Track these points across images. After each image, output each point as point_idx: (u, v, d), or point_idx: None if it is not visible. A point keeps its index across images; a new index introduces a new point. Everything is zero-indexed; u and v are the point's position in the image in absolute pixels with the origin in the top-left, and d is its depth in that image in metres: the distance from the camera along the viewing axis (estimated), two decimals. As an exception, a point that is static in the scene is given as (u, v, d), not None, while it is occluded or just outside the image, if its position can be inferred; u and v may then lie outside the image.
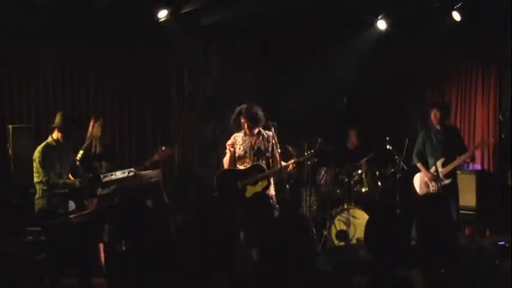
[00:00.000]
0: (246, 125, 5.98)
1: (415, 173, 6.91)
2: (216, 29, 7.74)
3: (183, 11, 7.08)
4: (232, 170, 6.06)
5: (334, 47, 7.94)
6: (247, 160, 6.03)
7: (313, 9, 7.22)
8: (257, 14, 7.41)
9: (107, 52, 7.46)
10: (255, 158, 6.03)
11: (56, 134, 5.56)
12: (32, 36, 6.77)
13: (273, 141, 6.06)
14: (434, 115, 6.73)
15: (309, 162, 6.43)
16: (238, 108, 6.04)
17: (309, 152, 6.22)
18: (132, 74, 7.80)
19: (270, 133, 6.07)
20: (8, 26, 6.47)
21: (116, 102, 7.69)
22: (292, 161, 6.07)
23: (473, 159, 6.98)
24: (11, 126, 6.38)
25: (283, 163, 6.04)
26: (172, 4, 6.98)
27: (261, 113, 5.97)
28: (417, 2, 7.11)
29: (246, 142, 6.05)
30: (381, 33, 7.69)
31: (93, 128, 6.19)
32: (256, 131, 6.01)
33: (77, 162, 5.87)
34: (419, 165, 6.79)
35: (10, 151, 6.31)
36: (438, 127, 6.74)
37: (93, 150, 6.18)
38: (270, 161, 6.05)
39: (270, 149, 6.06)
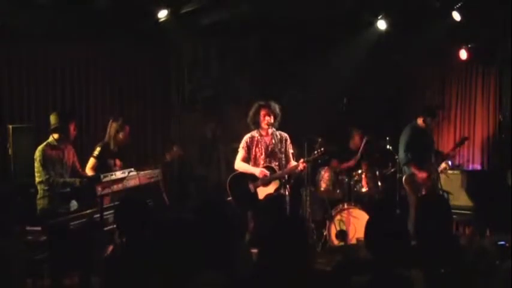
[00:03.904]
0: (270, 119, 5.91)
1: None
2: (216, 29, 7.74)
3: (183, 11, 7.08)
4: (243, 173, 6.05)
5: (334, 47, 7.93)
6: (261, 161, 6.03)
7: (313, 9, 7.22)
8: (257, 14, 7.41)
9: (107, 52, 7.46)
10: (268, 160, 6.02)
11: (56, 134, 5.57)
12: (32, 36, 6.77)
13: (288, 142, 6.09)
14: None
15: (319, 161, 6.35)
16: (257, 104, 6.00)
17: (319, 150, 6.12)
18: (132, 74, 7.80)
19: (284, 134, 6.09)
20: (8, 26, 6.46)
21: (116, 102, 7.68)
22: (302, 160, 6.04)
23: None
24: (11, 126, 6.37)
25: (294, 163, 6.04)
26: (172, 4, 6.98)
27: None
28: (417, 2, 7.10)
29: (262, 143, 6.04)
30: (381, 33, 7.69)
31: (110, 128, 6.25)
32: (271, 130, 6.00)
33: (83, 161, 5.91)
34: (413, 168, 6.58)
35: (10, 151, 6.31)
36: (424, 128, 6.73)
37: (111, 148, 6.22)
38: (283, 161, 6.04)
39: (283, 149, 6.05)
